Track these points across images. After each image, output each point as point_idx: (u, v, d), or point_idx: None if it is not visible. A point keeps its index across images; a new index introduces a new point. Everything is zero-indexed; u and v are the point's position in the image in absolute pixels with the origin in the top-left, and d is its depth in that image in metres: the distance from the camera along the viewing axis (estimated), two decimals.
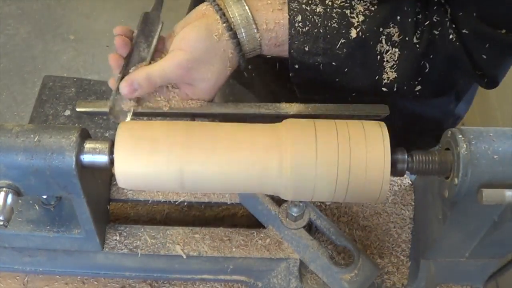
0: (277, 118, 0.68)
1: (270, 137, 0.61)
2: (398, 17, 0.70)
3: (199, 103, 0.73)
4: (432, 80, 0.74)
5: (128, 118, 0.72)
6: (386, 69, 0.72)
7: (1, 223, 0.59)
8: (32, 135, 0.60)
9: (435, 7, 0.71)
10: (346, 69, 0.72)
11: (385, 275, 0.79)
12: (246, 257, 0.75)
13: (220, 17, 0.70)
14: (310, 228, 0.78)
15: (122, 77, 0.71)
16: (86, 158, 0.61)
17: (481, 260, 0.76)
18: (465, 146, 0.58)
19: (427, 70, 0.72)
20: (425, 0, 0.71)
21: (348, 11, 0.70)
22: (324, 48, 0.70)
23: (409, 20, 0.70)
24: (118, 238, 0.76)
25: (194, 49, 0.69)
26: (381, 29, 0.70)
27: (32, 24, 2.52)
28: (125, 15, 2.51)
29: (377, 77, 0.72)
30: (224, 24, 0.70)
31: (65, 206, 0.74)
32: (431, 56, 0.72)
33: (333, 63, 0.71)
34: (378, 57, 0.71)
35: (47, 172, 0.60)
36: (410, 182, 0.85)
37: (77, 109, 0.73)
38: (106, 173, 0.78)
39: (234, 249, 0.76)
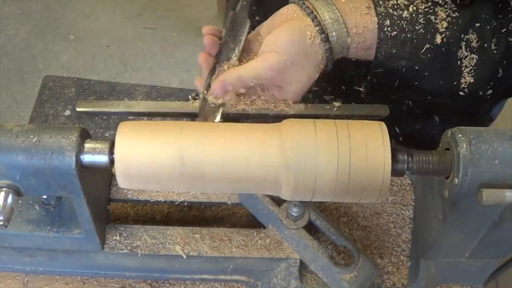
0: (277, 118, 0.69)
1: (270, 137, 0.61)
2: (477, 24, 0.72)
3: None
4: (504, 84, 0.76)
5: (218, 119, 0.72)
6: (464, 74, 0.73)
7: (1, 223, 0.59)
8: (32, 135, 0.60)
9: (510, 15, 0.72)
10: (426, 73, 0.73)
11: (385, 275, 0.79)
12: (246, 257, 0.75)
13: (312, 20, 0.70)
14: (310, 228, 0.78)
15: (211, 77, 0.71)
16: (86, 158, 0.61)
17: (481, 260, 0.76)
18: (465, 146, 0.58)
19: (500, 75, 0.74)
20: (501, 7, 0.73)
21: (432, 17, 0.71)
22: (410, 53, 0.71)
23: (488, 27, 0.72)
24: (118, 238, 0.76)
25: (287, 51, 0.69)
26: (462, 36, 0.72)
27: (32, 24, 2.52)
28: (125, 15, 2.51)
29: (455, 82, 0.74)
30: (317, 27, 0.70)
31: (65, 206, 0.74)
32: (505, 62, 0.73)
33: (416, 67, 0.73)
34: (458, 62, 0.73)
35: (47, 172, 0.60)
36: (410, 182, 0.85)
37: (77, 109, 0.73)
38: (106, 173, 0.78)
39: (234, 249, 0.76)
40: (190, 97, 0.76)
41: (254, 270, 0.76)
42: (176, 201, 0.80)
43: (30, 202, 0.74)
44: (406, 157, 0.62)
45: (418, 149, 0.63)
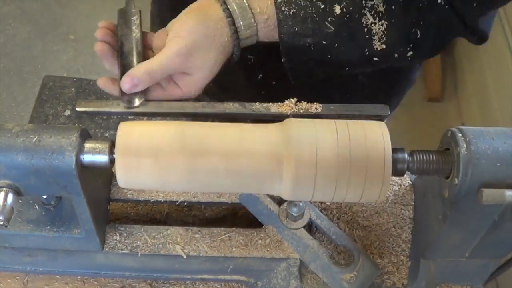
0: (277, 118, 0.69)
1: (270, 137, 0.61)
2: None
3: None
4: (425, 45, 0.76)
5: (137, 102, 0.72)
6: (375, 41, 0.73)
7: (1, 223, 0.59)
8: (32, 135, 0.60)
9: None
10: (336, 45, 0.73)
11: (385, 275, 0.79)
12: (246, 257, 0.76)
13: (221, 5, 0.71)
14: (310, 228, 0.78)
15: (122, 72, 0.72)
16: (86, 158, 0.61)
17: (481, 260, 0.76)
18: (465, 146, 0.58)
19: (419, 36, 0.74)
20: None
21: None
22: (313, 28, 0.72)
23: None
24: (118, 238, 0.76)
25: (192, 34, 0.70)
26: (363, 2, 0.71)
27: (32, 24, 2.52)
28: None
29: (366, 49, 0.74)
30: (223, 11, 0.71)
31: (65, 206, 0.74)
32: (422, 23, 0.73)
33: (323, 42, 0.73)
34: (365, 29, 0.73)
35: (47, 172, 0.60)
36: (410, 182, 0.85)
37: (77, 109, 0.73)
38: (106, 173, 0.78)
39: (234, 249, 0.76)
40: None
41: (254, 270, 0.76)
42: (176, 201, 0.80)
43: (30, 202, 0.74)
44: (406, 157, 0.62)
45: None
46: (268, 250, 0.75)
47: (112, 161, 0.61)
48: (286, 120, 0.63)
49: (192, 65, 0.71)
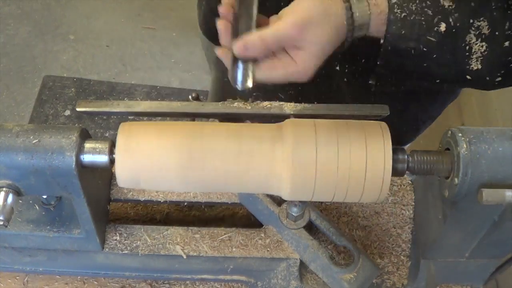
0: (278, 118, 0.69)
1: (270, 137, 0.61)
2: (487, 11, 0.72)
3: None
4: None
5: (250, 83, 0.72)
6: (472, 60, 0.74)
7: (1, 223, 0.59)
8: (32, 135, 0.60)
9: None
10: (435, 56, 0.74)
11: (385, 275, 0.79)
12: (246, 257, 0.76)
13: None
14: (310, 228, 0.78)
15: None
16: (86, 158, 0.61)
17: (481, 260, 0.76)
18: (465, 146, 0.58)
19: (511, 64, 0.75)
20: None
21: (441, 1, 0.72)
22: (419, 34, 0.72)
23: (498, 14, 0.72)
24: (118, 238, 0.76)
25: (308, 10, 0.70)
26: (471, 21, 0.72)
27: (32, 24, 2.52)
28: (125, 15, 2.51)
29: (463, 66, 0.75)
30: None
31: (65, 206, 0.74)
32: None
33: (424, 49, 0.73)
34: (467, 47, 0.73)
35: (47, 172, 0.60)
36: (410, 182, 0.85)
37: (77, 109, 0.73)
38: (106, 173, 0.78)
39: (234, 249, 0.76)
40: (190, 97, 0.76)
41: (254, 270, 0.76)
42: (176, 201, 0.80)
43: (30, 202, 0.74)
44: (406, 157, 0.62)
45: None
46: (268, 250, 0.75)
47: (112, 161, 0.61)
48: (287, 120, 0.63)
49: (306, 38, 0.71)
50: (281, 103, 0.73)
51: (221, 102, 0.74)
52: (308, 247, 0.74)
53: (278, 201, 0.76)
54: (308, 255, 0.74)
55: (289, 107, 0.72)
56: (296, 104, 0.73)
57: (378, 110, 0.72)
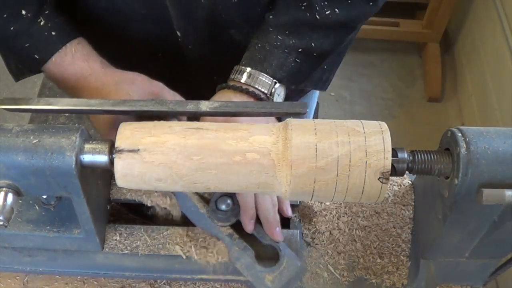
0: (195, 117, 0.68)
1: (270, 137, 0.61)
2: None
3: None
4: None
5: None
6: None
7: (1, 223, 0.59)
8: (32, 135, 0.60)
9: None
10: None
11: (385, 275, 0.79)
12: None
13: None
14: (239, 226, 0.78)
15: None
16: (86, 158, 0.61)
17: (481, 260, 0.76)
18: (465, 146, 0.58)
19: None
20: None
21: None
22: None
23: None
24: (118, 238, 0.76)
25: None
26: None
27: None
28: None
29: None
30: None
31: (65, 206, 0.74)
32: None
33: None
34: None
35: (47, 172, 0.60)
36: (410, 182, 0.85)
37: (0, 107, 0.70)
38: (106, 173, 0.78)
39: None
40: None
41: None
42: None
43: (30, 202, 0.74)
44: (406, 157, 0.62)
45: None
46: None
47: (112, 161, 0.61)
48: (287, 120, 0.63)
49: None
50: (200, 101, 0.71)
51: (142, 100, 0.73)
52: (233, 246, 0.75)
53: (207, 199, 0.77)
54: (233, 253, 0.75)
55: (205, 105, 0.70)
56: (212, 101, 0.70)
57: (296, 107, 0.71)
